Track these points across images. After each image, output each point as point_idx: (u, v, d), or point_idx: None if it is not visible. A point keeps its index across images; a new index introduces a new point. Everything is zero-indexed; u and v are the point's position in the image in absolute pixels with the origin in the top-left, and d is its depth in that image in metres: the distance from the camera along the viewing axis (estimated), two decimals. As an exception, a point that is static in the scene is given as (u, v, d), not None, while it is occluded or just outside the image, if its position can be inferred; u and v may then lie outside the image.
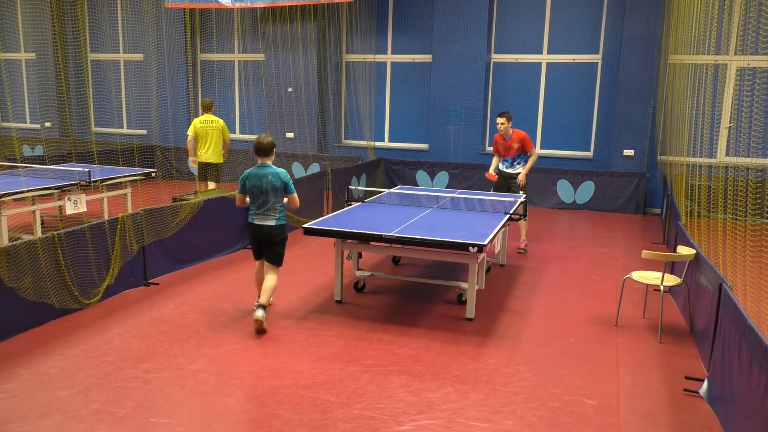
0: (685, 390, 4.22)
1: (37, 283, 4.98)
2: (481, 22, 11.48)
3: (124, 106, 14.69)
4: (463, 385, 4.23)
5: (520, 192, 7.62)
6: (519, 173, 7.77)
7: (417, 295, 6.17)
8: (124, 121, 14.75)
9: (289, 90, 12.80)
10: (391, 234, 5.26)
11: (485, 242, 5.03)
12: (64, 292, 5.25)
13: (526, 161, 7.77)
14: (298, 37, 12.55)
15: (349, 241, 5.73)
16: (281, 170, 5.15)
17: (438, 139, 12.12)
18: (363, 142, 12.74)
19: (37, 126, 14.72)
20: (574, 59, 11.41)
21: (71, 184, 7.56)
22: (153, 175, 9.18)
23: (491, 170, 8.03)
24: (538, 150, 11.72)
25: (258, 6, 12.11)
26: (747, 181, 8.76)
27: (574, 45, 11.37)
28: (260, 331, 5.02)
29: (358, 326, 5.25)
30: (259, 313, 4.96)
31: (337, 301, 5.84)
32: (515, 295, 6.20)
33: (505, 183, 7.92)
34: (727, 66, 10.46)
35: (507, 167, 7.88)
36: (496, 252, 6.64)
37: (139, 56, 14.17)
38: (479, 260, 5.47)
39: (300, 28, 12.52)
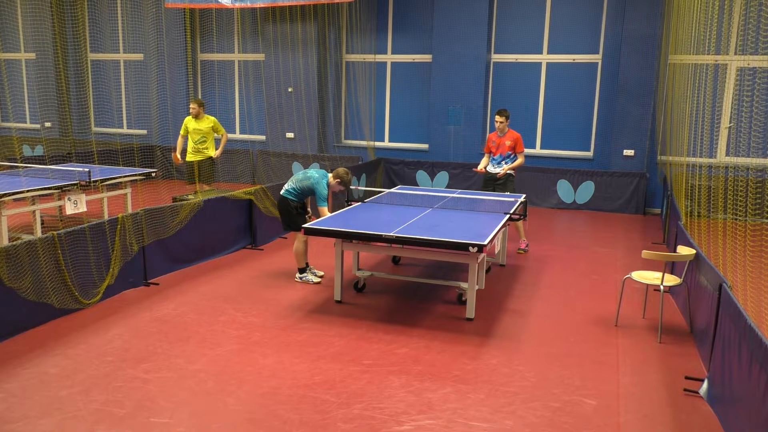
0: (685, 390, 4.22)
1: (37, 283, 4.98)
2: (481, 22, 11.48)
3: (124, 106, 14.69)
4: (463, 385, 4.23)
5: (506, 193, 7.66)
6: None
7: (417, 295, 6.17)
8: (124, 121, 14.75)
9: (289, 90, 12.80)
10: (391, 234, 5.26)
11: (485, 242, 5.03)
12: (64, 292, 5.25)
13: (513, 162, 7.84)
14: (298, 37, 12.55)
15: (349, 241, 5.72)
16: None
17: (438, 139, 12.12)
18: (363, 142, 12.75)
19: (37, 126, 14.72)
20: (574, 59, 11.41)
21: (71, 184, 7.56)
22: (153, 175, 9.18)
23: (480, 167, 8.05)
24: (538, 150, 11.74)
25: (258, 6, 12.11)
26: (747, 181, 8.76)
27: (574, 45, 11.38)
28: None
29: (358, 326, 5.25)
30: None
31: (337, 301, 5.84)
32: (515, 295, 6.20)
33: (491, 184, 7.96)
34: (727, 66, 10.46)
35: (494, 166, 7.92)
36: (496, 252, 6.64)
37: (139, 56, 14.18)
38: (479, 260, 5.47)
39: (300, 28, 12.52)
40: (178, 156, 9.09)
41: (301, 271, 6.47)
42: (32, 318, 4.98)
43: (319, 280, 6.46)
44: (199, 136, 8.91)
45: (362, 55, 12.74)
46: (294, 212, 6.41)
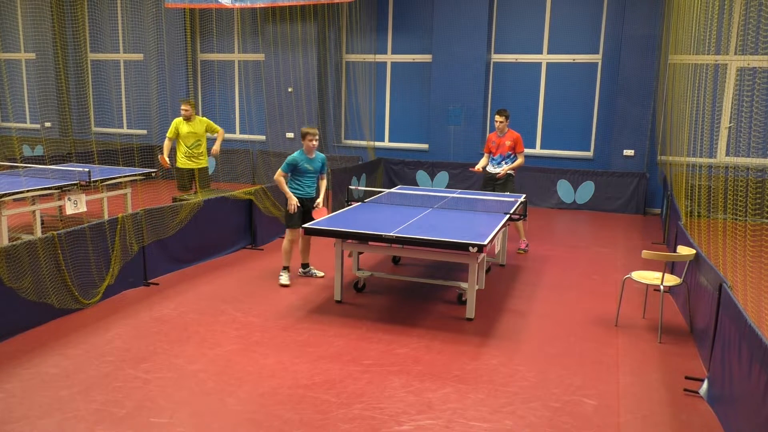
0: (685, 390, 4.22)
1: (37, 283, 4.98)
2: (481, 22, 11.48)
3: (124, 106, 14.68)
4: (463, 385, 4.23)
5: (506, 193, 7.67)
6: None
7: (417, 295, 6.17)
8: (124, 121, 14.75)
9: (289, 90, 12.80)
10: (391, 234, 5.27)
11: (485, 242, 5.03)
12: (64, 292, 5.25)
13: (513, 162, 7.83)
14: (298, 37, 12.55)
15: (349, 241, 5.73)
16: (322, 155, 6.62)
17: (438, 139, 12.11)
18: (363, 142, 12.74)
19: (37, 126, 14.72)
20: (574, 59, 11.41)
21: (71, 184, 7.56)
22: (153, 175, 9.18)
23: (478, 166, 8.06)
24: (538, 150, 11.74)
25: (258, 6, 12.11)
26: (747, 181, 8.75)
27: (574, 45, 11.37)
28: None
29: (358, 326, 5.25)
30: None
31: (337, 301, 5.84)
32: (515, 295, 6.20)
33: (491, 184, 7.96)
34: (727, 66, 10.46)
35: (494, 166, 7.92)
36: (496, 252, 6.64)
37: (139, 56, 14.17)
38: (479, 260, 5.47)
39: (300, 28, 12.52)
40: (166, 159, 8.46)
41: (284, 268, 6.42)
42: (32, 318, 4.98)
43: (287, 282, 6.34)
44: (194, 139, 8.33)
45: (362, 55, 12.74)
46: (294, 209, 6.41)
